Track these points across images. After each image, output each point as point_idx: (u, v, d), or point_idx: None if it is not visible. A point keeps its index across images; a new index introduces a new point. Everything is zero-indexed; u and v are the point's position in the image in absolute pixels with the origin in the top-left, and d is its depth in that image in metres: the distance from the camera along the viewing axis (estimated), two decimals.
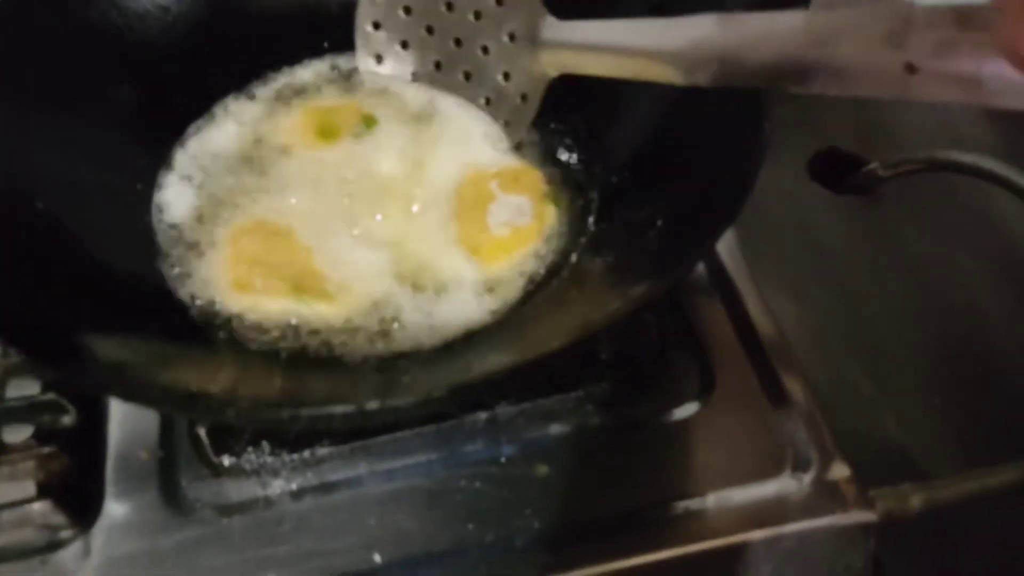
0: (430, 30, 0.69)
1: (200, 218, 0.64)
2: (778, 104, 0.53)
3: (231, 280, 0.60)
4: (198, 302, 0.59)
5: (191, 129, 0.69)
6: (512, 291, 0.61)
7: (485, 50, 0.67)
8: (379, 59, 0.72)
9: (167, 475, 0.59)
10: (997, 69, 0.35)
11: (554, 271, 0.62)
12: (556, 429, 0.61)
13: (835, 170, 0.94)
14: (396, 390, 0.51)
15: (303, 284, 0.59)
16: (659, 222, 0.58)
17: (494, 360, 0.54)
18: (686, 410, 0.62)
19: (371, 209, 0.64)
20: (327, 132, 0.69)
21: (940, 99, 0.39)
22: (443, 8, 0.68)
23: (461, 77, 0.69)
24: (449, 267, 0.62)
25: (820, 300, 0.89)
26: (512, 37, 0.65)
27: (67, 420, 0.60)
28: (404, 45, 0.71)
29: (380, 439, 0.60)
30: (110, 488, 0.58)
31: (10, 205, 0.55)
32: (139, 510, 0.58)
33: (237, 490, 0.59)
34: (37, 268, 0.54)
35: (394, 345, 0.57)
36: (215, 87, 0.71)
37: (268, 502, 0.58)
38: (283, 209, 0.64)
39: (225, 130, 0.70)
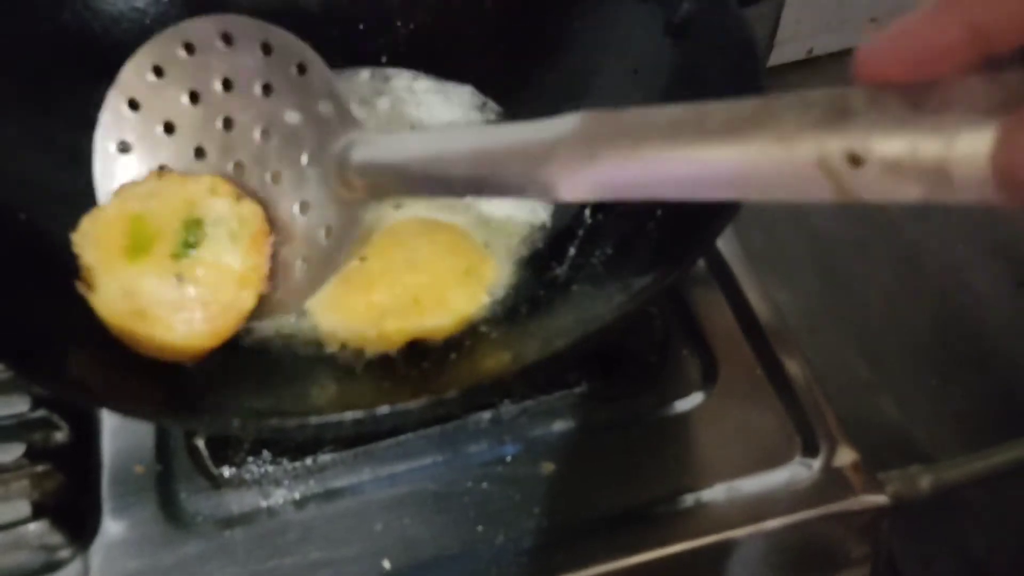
0: (199, 152, 0.57)
1: None
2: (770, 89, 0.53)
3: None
4: None
5: None
6: (509, 286, 0.60)
7: (275, 178, 0.55)
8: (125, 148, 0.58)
9: (165, 489, 0.58)
10: (971, 150, 0.25)
11: (552, 264, 0.61)
12: (560, 426, 0.60)
13: None
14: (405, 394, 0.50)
15: None
16: (658, 212, 0.57)
17: (501, 359, 0.53)
18: (691, 401, 0.62)
19: None
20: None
21: (891, 199, 0.28)
22: (218, 125, 0.56)
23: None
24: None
25: (813, 285, 0.89)
26: (312, 159, 0.54)
27: (59, 437, 0.58)
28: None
29: (383, 443, 0.59)
30: (107, 505, 0.57)
31: None
32: (138, 526, 0.56)
33: (238, 501, 0.57)
34: (21, 280, 0.52)
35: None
36: None
37: (271, 512, 0.57)
38: None
39: None
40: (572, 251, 0.61)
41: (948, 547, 0.72)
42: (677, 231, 0.55)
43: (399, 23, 0.73)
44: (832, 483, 0.58)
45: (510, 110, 0.71)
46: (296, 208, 0.55)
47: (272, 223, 0.55)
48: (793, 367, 0.63)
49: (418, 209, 0.63)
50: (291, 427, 0.40)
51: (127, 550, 0.55)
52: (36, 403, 0.59)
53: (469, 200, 0.64)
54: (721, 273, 0.68)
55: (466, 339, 0.57)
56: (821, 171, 0.29)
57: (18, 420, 0.58)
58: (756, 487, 0.58)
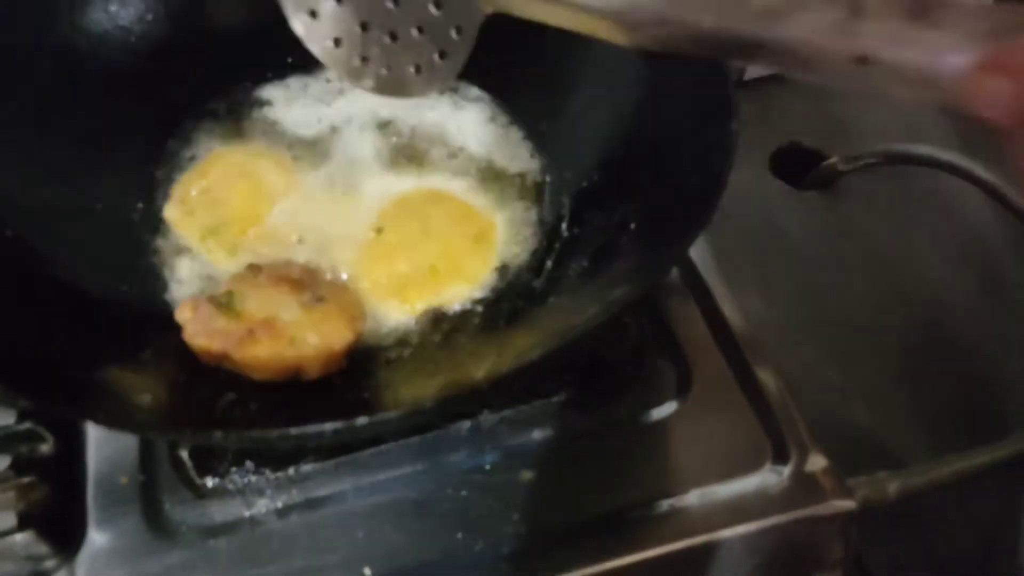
0: None
1: None
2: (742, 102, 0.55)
3: None
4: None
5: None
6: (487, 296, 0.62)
7: None
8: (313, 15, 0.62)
9: (149, 499, 0.58)
10: (953, 70, 0.34)
11: (529, 277, 0.62)
12: (538, 435, 0.62)
13: (797, 165, 0.96)
14: (383, 404, 0.51)
15: None
16: (632, 225, 0.58)
17: (477, 369, 0.54)
18: (665, 409, 0.63)
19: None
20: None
21: (892, 95, 0.37)
22: None
23: (387, 36, 0.59)
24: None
25: (785, 294, 0.90)
26: None
27: (45, 448, 0.59)
28: None
29: (364, 453, 0.60)
30: (92, 515, 0.58)
31: None
32: (122, 536, 0.57)
33: (221, 511, 0.58)
34: (6, 296, 0.53)
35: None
36: (181, 105, 0.70)
37: (254, 522, 0.58)
38: None
39: None
40: (549, 264, 0.62)
41: (916, 550, 0.73)
42: (650, 243, 0.56)
43: None
44: (802, 488, 0.59)
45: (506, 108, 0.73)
46: (432, 6, 0.57)
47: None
48: (765, 376, 0.64)
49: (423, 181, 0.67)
50: (272, 437, 0.41)
51: (112, 560, 0.56)
52: (22, 416, 0.59)
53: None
54: (694, 283, 0.70)
55: (444, 350, 0.58)
56: (840, 62, 0.37)
57: (4, 432, 0.59)
58: (729, 493, 0.59)
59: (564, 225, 0.64)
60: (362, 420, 0.41)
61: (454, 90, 0.74)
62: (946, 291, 0.88)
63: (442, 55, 0.58)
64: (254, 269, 0.60)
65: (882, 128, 0.97)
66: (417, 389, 0.55)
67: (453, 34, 0.58)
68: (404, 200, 0.66)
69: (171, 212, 0.66)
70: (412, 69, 0.59)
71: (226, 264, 0.63)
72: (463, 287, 0.62)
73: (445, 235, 0.64)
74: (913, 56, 0.35)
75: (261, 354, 0.53)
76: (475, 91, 0.74)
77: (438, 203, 0.66)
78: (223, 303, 0.55)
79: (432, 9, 0.58)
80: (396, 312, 0.61)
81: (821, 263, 0.92)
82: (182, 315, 0.56)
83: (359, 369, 0.58)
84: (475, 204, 0.67)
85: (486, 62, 0.68)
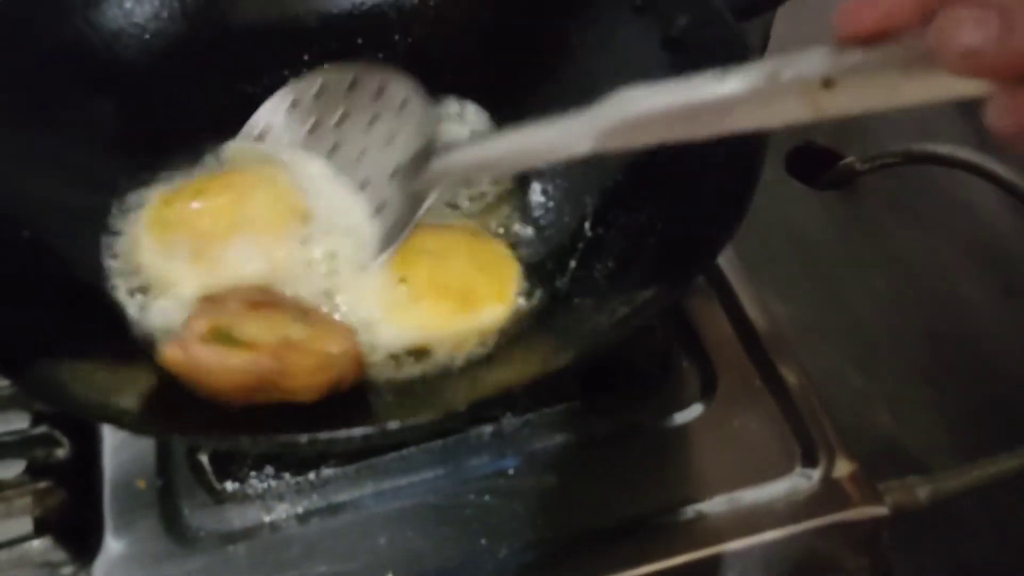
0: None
1: None
2: None
3: None
4: None
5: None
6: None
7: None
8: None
9: (167, 504, 0.57)
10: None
11: (554, 277, 0.61)
12: (561, 439, 0.61)
13: (812, 165, 0.95)
14: (413, 408, 0.50)
15: None
16: (659, 226, 0.57)
17: (506, 373, 0.53)
18: (691, 412, 0.62)
19: None
20: None
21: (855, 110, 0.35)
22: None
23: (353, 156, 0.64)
24: None
25: (805, 295, 0.89)
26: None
27: (61, 453, 0.58)
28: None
29: (386, 457, 0.59)
30: (109, 521, 0.57)
31: None
32: (140, 542, 0.56)
33: (241, 516, 0.57)
34: (25, 296, 0.52)
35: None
36: (197, 104, 0.69)
37: (274, 527, 0.57)
38: None
39: None
40: (573, 264, 0.61)
41: (942, 557, 0.72)
42: (678, 245, 0.56)
43: (397, 37, 0.74)
44: (832, 494, 0.58)
45: (506, 124, 0.71)
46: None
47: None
48: (791, 377, 0.64)
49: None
50: (302, 442, 0.40)
51: (130, 566, 0.55)
52: (37, 419, 0.58)
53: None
54: (718, 284, 0.69)
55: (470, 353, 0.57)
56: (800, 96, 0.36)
57: (19, 437, 0.58)
58: (756, 498, 0.58)
59: (587, 225, 0.63)
60: (393, 424, 0.40)
61: None
62: (966, 291, 0.88)
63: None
64: (213, 300, 0.56)
65: (898, 127, 0.96)
66: (443, 392, 0.54)
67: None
68: (413, 245, 0.62)
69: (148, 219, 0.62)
70: None
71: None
72: (498, 307, 0.60)
73: (466, 267, 0.62)
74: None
75: (301, 374, 0.50)
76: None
77: (448, 235, 0.64)
78: (223, 336, 0.51)
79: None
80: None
81: (839, 264, 0.92)
82: (174, 363, 0.50)
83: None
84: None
85: (502, 70, 0.68)
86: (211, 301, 0.55)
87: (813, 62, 0.35)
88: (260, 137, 0.67)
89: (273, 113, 0.67)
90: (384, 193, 0.61)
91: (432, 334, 0.58)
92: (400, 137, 0.62)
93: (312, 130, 0.66)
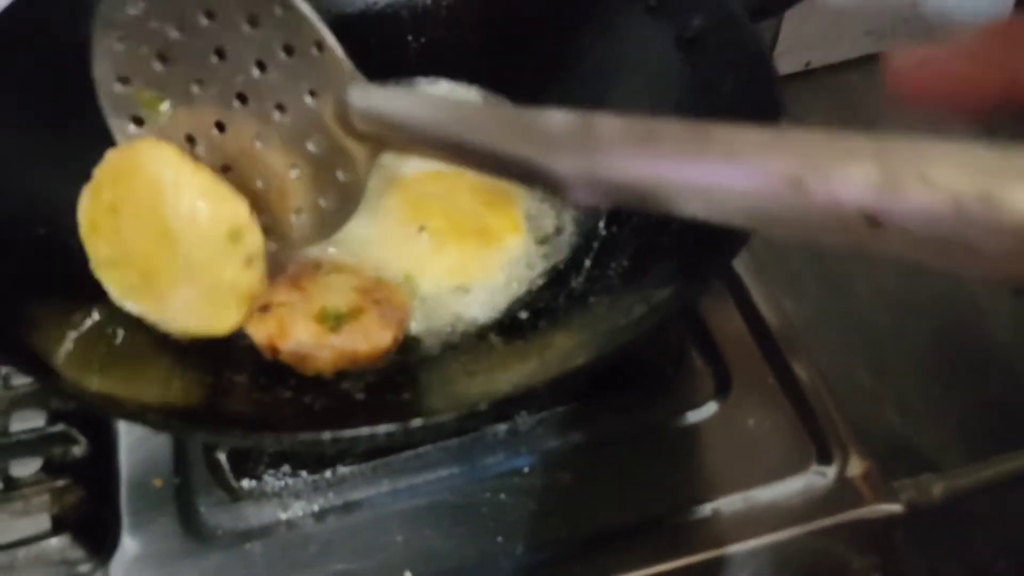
0: (200, 82, 0.52)
1: None
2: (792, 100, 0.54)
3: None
4: None
5: None
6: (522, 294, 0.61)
7: (280, 108, 0.50)
8: (138, 121, 0.55)
9: (184, 502, 0.58)
10: None
11: (569, 276, 0.61)
12: (576, 437, 0.61)
13: None
14: (427, 406, 0.50)
15: None
16: (673, 224, 0.57)
17: (520, 369, 0.53)
18: (705, 411, 0.62)
19: None
20: None
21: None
22: (213, 57, 0.51)
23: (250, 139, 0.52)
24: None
25: (816, 294, 0.90)
26: (312, 94, 0.49)
27: (77, 451, 0.58)
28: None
29: (402, 456, 0.59)
30: (126, 519, 0.57)
31: (11, 232, 0.53)
32: (157, 540, 0.56)
33: (257, 514, 0.57)
34: (41, 294, 0.52)
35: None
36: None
37: (291, 525, 0.57)
38: None
39: None
40: (588, 263, 0.61)
41: (953, 555, 0.73)
42: (694, 244, 0.55)
43: (410, 38, 0.74)
44: (846, 491, 0.58)
45: None
46: (311, 146, 0.50)
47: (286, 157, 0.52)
48: (804, 375, 0.64)
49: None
50: (325, 440, 0.40)
51: (147, 564, 0.55)
52: (53, 417, 0.59)
53: None
54: (731, 282, 0.69)
55: (481, 350, 0.57)
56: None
57: (36, 435, 0.58)
58: (771, 496, 0.58)
59: (601, 224, 0.63)
60: (416, 422, 0.40)
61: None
62: (975, 291, 0.88)
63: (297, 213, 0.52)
64: (271, 294, 0.54)
65: (906, 127, 0.97)
66: (460, 390, 0.54)
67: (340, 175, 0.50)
68: (411, 188, 0.64)
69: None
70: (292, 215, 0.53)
71: None
72: (511, 237, 0.62)
73: (475, 203, 0.64)
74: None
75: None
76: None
77: (451, 179, 0.64)
78: (329, 317, 0.53)
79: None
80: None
81: (847, 263, 0.92)
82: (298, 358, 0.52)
83: (396, 371, 0.57)
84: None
85: (517, 71, 0.68)
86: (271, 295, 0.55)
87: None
88: None
89: None
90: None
91: (467, 274, 0.60)
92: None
93: None
